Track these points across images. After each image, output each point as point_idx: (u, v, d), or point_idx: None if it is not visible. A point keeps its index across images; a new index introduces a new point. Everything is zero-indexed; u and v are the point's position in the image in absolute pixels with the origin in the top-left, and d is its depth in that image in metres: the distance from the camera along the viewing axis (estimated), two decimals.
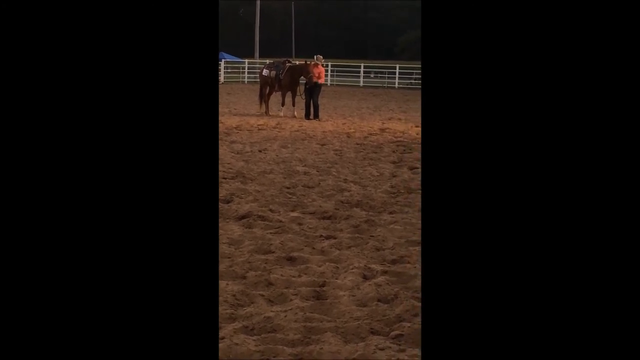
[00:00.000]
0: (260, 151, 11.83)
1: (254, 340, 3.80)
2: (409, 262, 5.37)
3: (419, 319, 4.04)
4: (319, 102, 18.80)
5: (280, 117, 18.62)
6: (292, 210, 7.21)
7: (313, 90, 18.50)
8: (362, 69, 41.88)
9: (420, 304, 4.27)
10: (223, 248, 5.65)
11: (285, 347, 3.72)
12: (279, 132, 15.11)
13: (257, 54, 49.77)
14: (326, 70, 37.39)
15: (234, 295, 4.48)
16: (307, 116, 18.46)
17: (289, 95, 19.22)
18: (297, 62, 19.61)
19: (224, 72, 40.72)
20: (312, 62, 19.05)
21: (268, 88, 19.67)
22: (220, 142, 12.79)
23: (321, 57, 19.47)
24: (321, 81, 18.73)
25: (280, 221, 6.68)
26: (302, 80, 18.79)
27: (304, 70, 18.68)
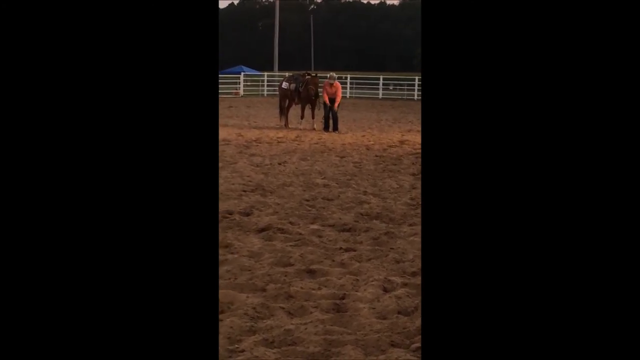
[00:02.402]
0: (279, 164, 11.85)
1: (274, 353, 3.80)
2: None
3: None
4: (338, 115, 18.82)
5: (300, 129, 18.66)
6: (312, 223, 7.22)
7: (332, 103, 18.56)
8: (380, 81, 41.91)
9: None
10: (243, 261, 5.67)
11: None
12: (298, 144, 15.13)
13: (276, 67, 49.97)
14: (344, 83, 37.45)
15: (254, 308, 4.49)
16: (326, 129, 18.49)
17: (308, 107, 19.28)
18: (313, 75, 19.65)
19: (243, 85, 40.89)
20: (315, 75, 19.20)
21: (287, 101, 19.74)
22: (239, 154, 12.84)
23: (334, 74, 19.47)
24: (337, 99, 18.72)
25: (300, 234, 6.68)
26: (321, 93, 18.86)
27: (312, 83, 18.82)
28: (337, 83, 18.83)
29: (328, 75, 19.29)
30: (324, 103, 18.60)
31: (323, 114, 18.74)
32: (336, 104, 18.56)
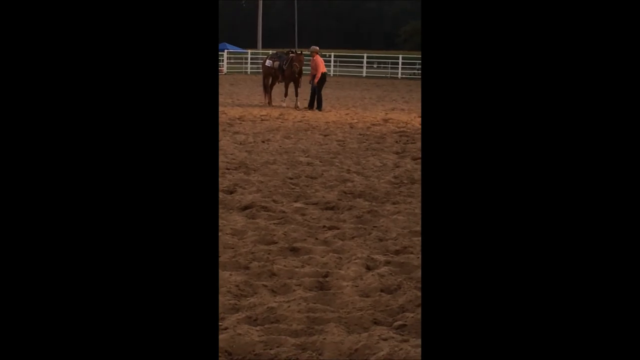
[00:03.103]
0: (263, 142, 11.83)
1: (257, 330, 3.80)
2: (412, 253, 5.37)
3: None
4: (322, 93, 18.75)
5: (283, 107, 18.61)
6: (295, 201, 7.21)
7: (325, 81, 18.45)
8: (365, 59, 41.80)
9: None
10: (226, 239, 5.66)
11: (288, 338, 3.72)
12: (282, 122, 15.10)
13: (259, 44, 49.71)
14: (328, 61, 37.26)
15: (237, 286, 4.49)
16: (310, 106, 18.43)
17: (291, 85, 19.21)
18: (299, 52, 19.55)
19: (227, 62, 40.67)
20: (300, 53, 19.11)
21: (271, 79, 19.66)
22: (223, 132, 12.80)
23: (317, 47, 19.26)
24: (317, 74, 18.47)
25: (284, 212, 6.68)
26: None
27: (296, 61, 18.74)
28: (317, 56, 18.67)
29: (311, 48, 19.11)
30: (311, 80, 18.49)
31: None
32: (316, 79, 18.41)
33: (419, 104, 20.70)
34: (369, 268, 5.01)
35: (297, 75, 18.73)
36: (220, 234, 5.82)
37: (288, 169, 9.18)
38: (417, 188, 7.96)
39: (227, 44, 47.55)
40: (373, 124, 15.17)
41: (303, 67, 18.90)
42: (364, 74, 40.74)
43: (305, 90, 19.24)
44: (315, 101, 18.43)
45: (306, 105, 18.59)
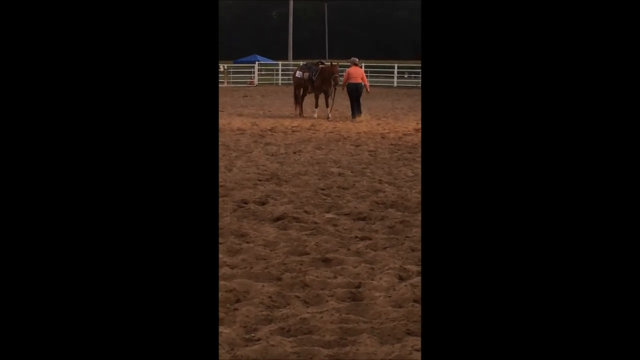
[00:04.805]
0: (294, 153, 11.86)
1: (290, 341, 3.80)
2: None
3: None
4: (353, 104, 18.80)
5: (315, 118, 18.64)
6: (327, 212, 7.22)
7: (357, 91, 18.53)
8: (395, 69, 41.73)
9: None
10: (258, 250, 5.68)
11: (321, 349, 3.72)
12: (313, 133, 15.12)
13: (290, 55, 49.88)
14: None
15: (269, 297, 4.50)
16: (353, 116, 18.47)
17: (322, 96, 19.25)
18: (329, 63, 19.61)
19: (258, 74, 40.91)
20: (336, 64, 19.20)
21: (302, 90, 19.72)
22: (255, 144, 12.86)
23: (355, 59, 19.36)
24: (350, 80, 18.58)
25: (315, 222, 6.68)
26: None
27: (330, 71, 18.80)
28: (352, 67, 18.71)
29: (352, 59, 19.21)
30: (349, 92, 18.52)
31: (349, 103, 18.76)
32: (342, 86, 18.59)
33: None
34: (401, 278, 5.00)
35: (334, 87, 18.74)
36: (252, 245, 5.84)
37: (320, 179, 9.19)
38: None
39: (257, 56, 47.87)
40: (405, 134, 15.14)
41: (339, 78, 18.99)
42: (395, 84, 40.66)
43: (337, 101, 19.26)
44: (356, 109, 18.50)
45: (349, 115, 18.64)
